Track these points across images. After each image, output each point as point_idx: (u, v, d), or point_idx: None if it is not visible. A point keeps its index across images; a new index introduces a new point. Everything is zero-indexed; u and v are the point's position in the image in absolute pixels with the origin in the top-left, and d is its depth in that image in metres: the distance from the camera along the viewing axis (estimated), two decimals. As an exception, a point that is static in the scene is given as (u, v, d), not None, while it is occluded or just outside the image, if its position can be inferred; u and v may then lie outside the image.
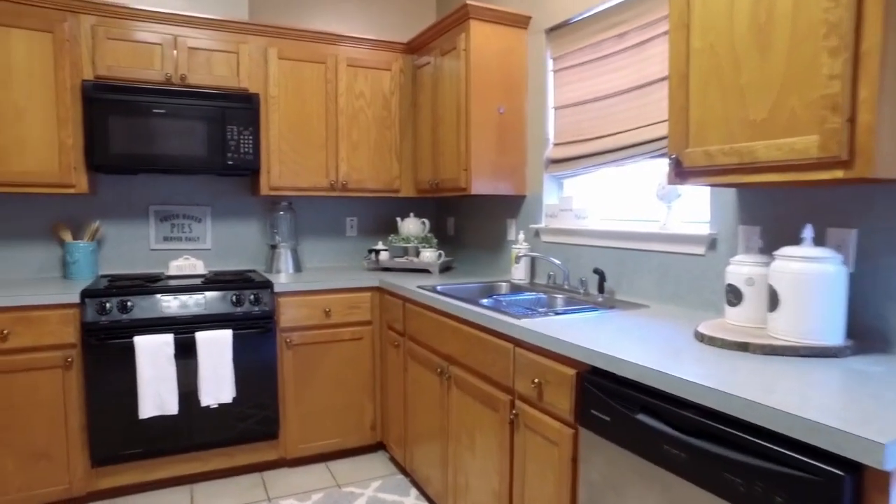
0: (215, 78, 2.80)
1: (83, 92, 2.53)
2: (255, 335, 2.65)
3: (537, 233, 2.73)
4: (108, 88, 2.56)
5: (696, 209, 2.01)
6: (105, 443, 2.42)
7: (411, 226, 3.32)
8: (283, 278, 2.89)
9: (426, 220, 3.34)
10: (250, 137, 2.84)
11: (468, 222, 3.40)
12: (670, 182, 1.57)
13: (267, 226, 3.31)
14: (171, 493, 2.56)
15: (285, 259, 3.17)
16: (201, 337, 2.50)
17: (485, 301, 2.23)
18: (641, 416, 1.28)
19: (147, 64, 2.67)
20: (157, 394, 2.42)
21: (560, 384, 1.57)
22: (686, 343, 1.48)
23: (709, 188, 1.90)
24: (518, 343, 1.78)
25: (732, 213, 1.81)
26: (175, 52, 2.71)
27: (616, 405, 1.35)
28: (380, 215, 3.62)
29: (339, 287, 2.84)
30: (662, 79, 2.03)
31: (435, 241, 3.30)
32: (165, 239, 3.08)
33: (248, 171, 2.86)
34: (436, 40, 2.97)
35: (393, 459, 2.91)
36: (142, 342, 2.40)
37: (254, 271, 3.15)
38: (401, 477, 2.73)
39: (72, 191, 2.59)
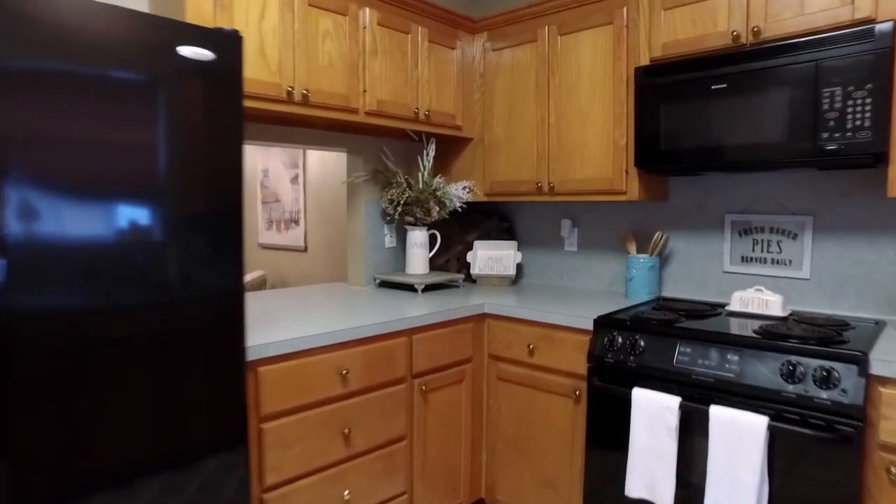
0: (808, 18, 1.79)
1: (635, 81, 2.13)
2: (817, 439, 1.57)
3: None
4: (659, 70, 2.05)
5: None
6: (597, 502, 2.01)
7: None
8: (927, 346, 1.60)
9: None
10: (867, 101, 1.68)
11: None
12: None
13: (917, 250, 1.94)
14: None
15: (939, 313, 1.76)
16: (717, 413, 1.67)
17: None
18: None
19: (709, 27, 1.98)
20: (648, 471, 1.80)
21: None
22: None
23: None
24: None
25: None
26: (747, -3, 1.90)
27: None
28: None
29: None
30: None
31: None
32: (743, 260, 2.29)
33: (865, 158, 1.71)
34: None
35: None
36: (639, 397, 1.82)
37: (878, 323, 1.91)
38: None
39: (622, 198, 2.26)
